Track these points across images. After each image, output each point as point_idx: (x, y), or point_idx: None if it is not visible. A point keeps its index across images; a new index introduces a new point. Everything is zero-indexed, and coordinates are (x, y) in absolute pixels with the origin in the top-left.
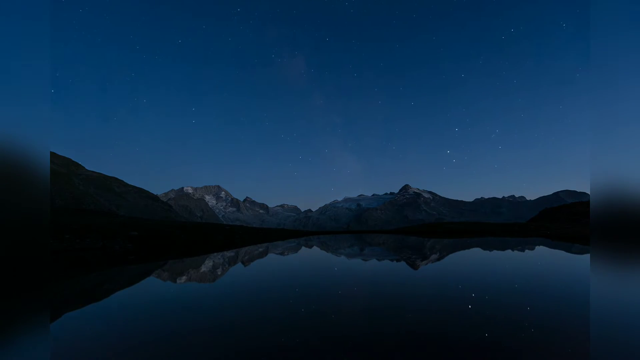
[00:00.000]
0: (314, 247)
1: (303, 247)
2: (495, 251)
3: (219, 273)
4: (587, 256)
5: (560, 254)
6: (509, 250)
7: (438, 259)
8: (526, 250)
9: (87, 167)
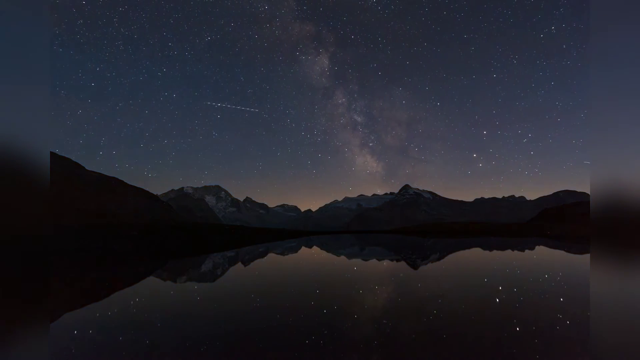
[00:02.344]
0: (314, 247)
1: (303, 247)
2: (495, 251)
3: (219, 273)
4: (587, 256)
5: (560, 254)
6: (509, 251)
7: (438, 260)
8: (526, 251)
9: (88, 168)
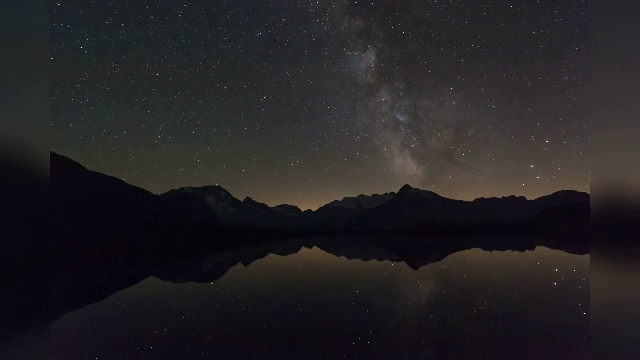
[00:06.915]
0: (314, 248)
1: (303, 247)
2: (495, 252)
3: (219, 273)
4: (587, 257)
5: (560, 255)
6: (509, 251)
7: (438, 259)
8: (526, 251)
9: (87, 168)
